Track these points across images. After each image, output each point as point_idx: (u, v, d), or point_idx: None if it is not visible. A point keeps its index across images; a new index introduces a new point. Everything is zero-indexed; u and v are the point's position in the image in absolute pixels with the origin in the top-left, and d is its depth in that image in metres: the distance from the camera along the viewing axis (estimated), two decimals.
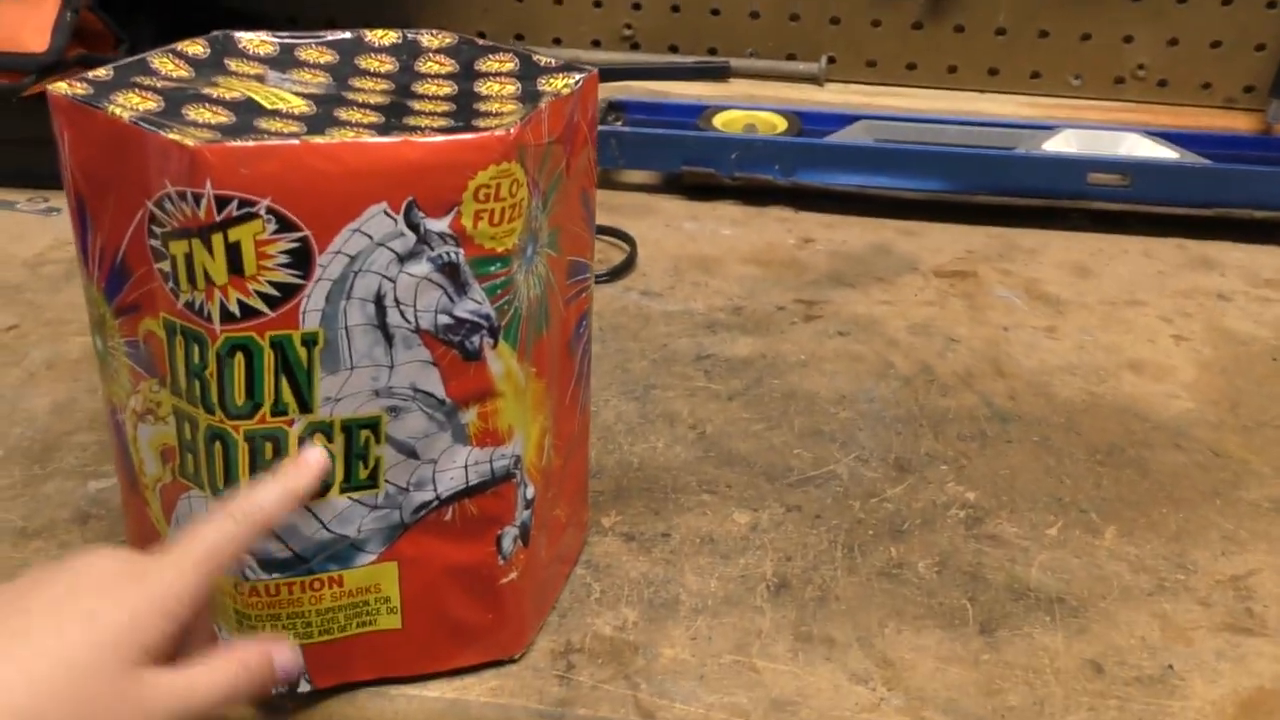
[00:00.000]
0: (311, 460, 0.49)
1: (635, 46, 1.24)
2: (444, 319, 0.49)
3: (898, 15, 1.18)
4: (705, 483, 0.72)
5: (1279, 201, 1.07)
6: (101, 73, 0.52)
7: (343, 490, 0.51)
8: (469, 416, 0.51)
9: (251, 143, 0.45)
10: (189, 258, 0.46)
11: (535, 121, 0.49)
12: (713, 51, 1.23)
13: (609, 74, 1.19)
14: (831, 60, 1.20)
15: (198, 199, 0.45)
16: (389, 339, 0.49)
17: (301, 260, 0.46)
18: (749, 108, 1.18)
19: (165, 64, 0.54)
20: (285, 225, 0.46)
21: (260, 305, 0.47)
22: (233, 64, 0.56)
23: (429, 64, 0.58)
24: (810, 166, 1.11)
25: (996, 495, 0.72)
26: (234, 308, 0.47)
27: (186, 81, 0.53)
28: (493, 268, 0.49)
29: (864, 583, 0.64)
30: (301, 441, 0.49)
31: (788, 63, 1.21)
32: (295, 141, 0.45)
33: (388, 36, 0.60)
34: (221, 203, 0.45)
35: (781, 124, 1.16)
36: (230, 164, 0.44)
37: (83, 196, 0.50)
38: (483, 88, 0.56)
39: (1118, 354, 0.89)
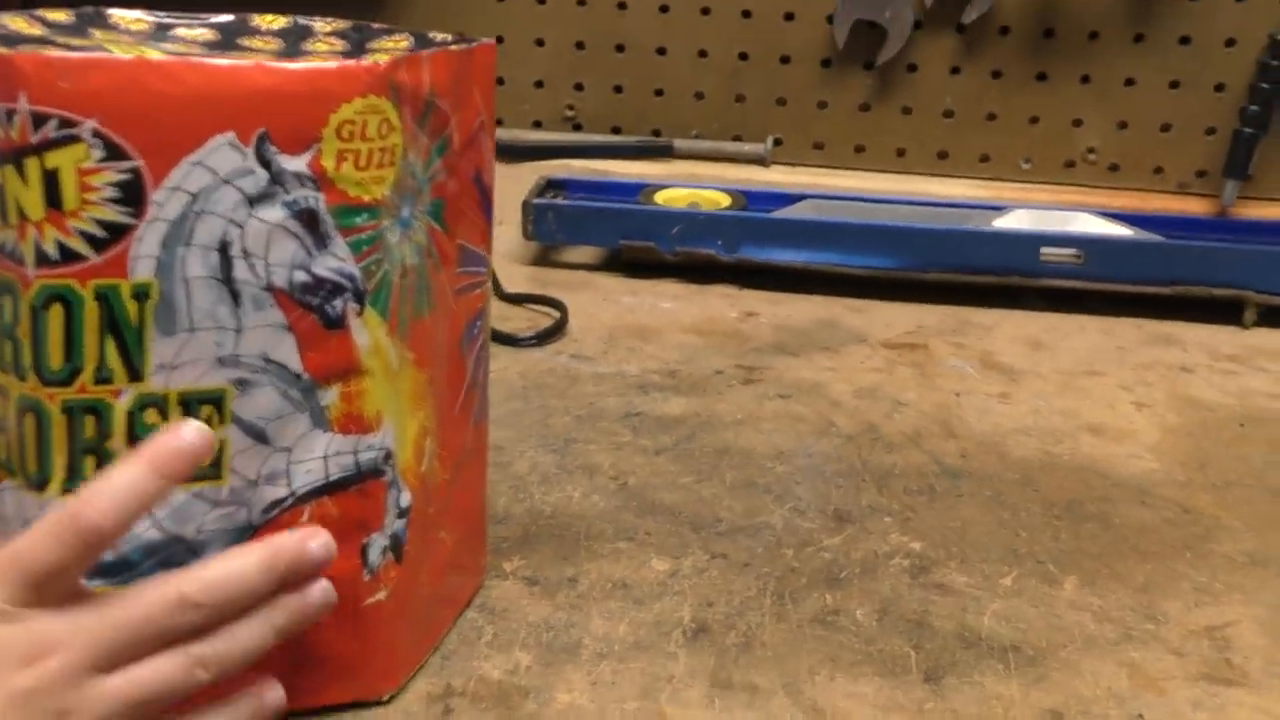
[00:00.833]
0: (186, 438, 0.41)
1: (578, 127, 1.21)
2: (300, 276, 0.43)
3: (845, 97, 1.16)
4: (623, 530, 0.65)
5: (1237, 280, 1.03)
6: None
7: None
8: (330, 396, 0.44)
9: (77, 55, 0.39)
10: (0, 189, 0.40)
11: (413, 64, 0.44)
12: (656, 133, 1.20)
13: (549, 152, 1.16)
14: (778, 142, 1.18)
15: (10, 116, 0.39)
16: (235, 296, 0.42)
17: (133, 195, 0.40)
18: (692, 186, 1.14)
19: (19, 23, 0.49)
20: (114, 152, 0.40)
21: (82, 247, 0.40)
22: (98, 34, 0.51)
23: (317, 44, 0.54)
24: (756, 242, 1.06)
25: (945, 546, 0.65)
26: (51, 249, 0.40)
27: (38, 38, 0.48)
28: (358, 219, 0.43)
29: (794, 629, 0.57)
30: (131, 417, 0.42)
31: (733, 144, 1.18)
32: (128, 57, 0.40)
33: (277, 21, 0.55)
34: (39, 121, 0.39)
35: (726, 202, 1.12)
36: (49, 76, 0.39)
37: None
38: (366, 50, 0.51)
39: (1075, 418, 0.83)
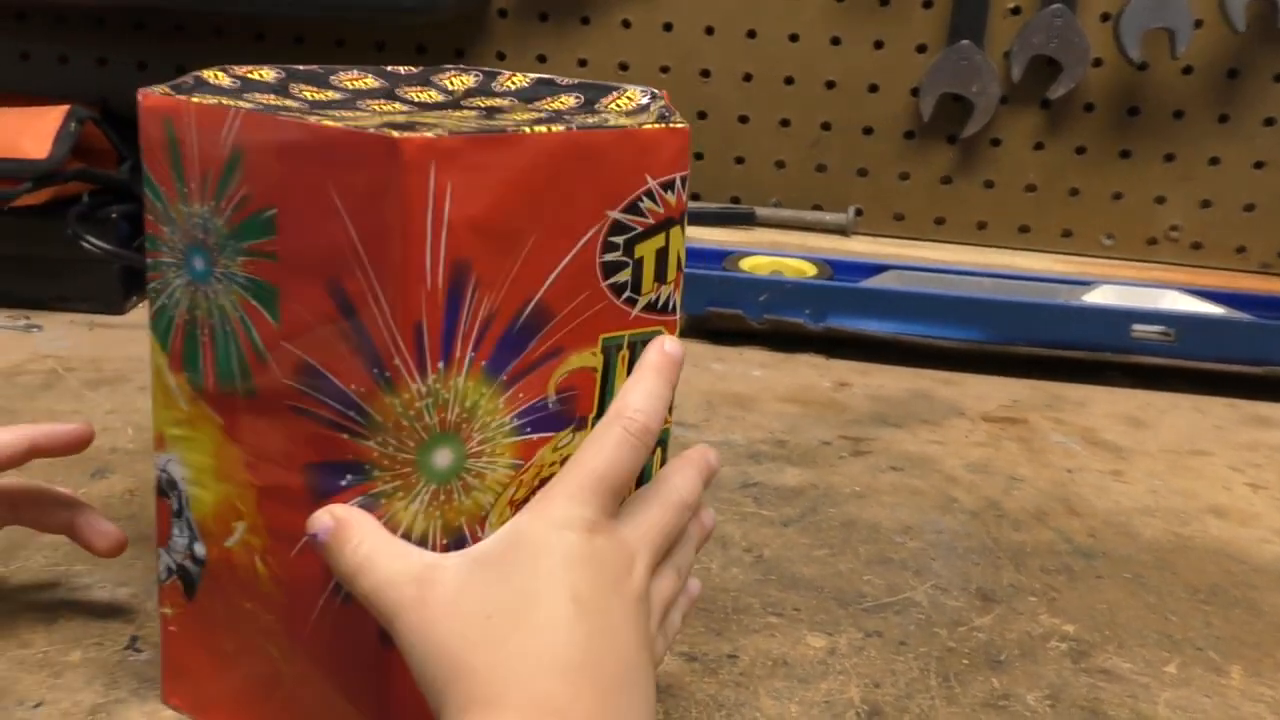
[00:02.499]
0: (671, 348, 0.47)
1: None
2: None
3: (926, 169, 1.16)
4: (770, 605, 0.63)
5: None
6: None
7: None
8: None
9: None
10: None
11: (205, 115, 0.43)
12: (736, 200, 1.19)
13: None
14: (859, 212, 1.17)
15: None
16: None
17: None
18: (776, 254, 1.13)
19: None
20: None
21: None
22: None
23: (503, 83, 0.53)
24: (844, 311, 1.05)
25: (1099, 630, 0.63)
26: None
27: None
28: (148, 244, 0.47)
29: (968, 714, 0.55)
30: None
31: (814, 212, 1.17)
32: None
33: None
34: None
35: (810, 270, 1.11)
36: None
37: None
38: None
39: (1194, 499, 0.82)
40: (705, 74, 1.17)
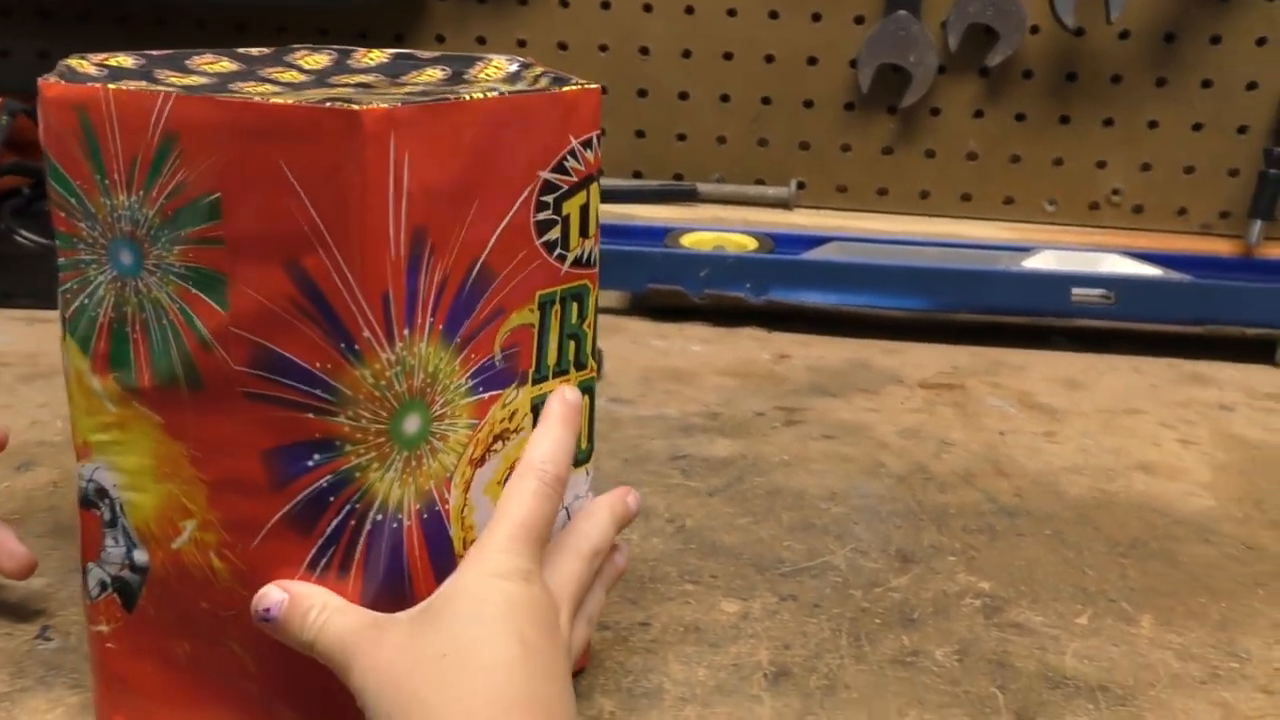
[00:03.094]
0: (571, 398, 0.49)
1: (600, 172, 1.21)
2: None
3: (868, 140, 1.16)
4: (687, 573, 0.63)
5: (1268, 319, 1.03)
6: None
7: None
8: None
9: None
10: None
11: (126, 101, 0.42)
12: (678, 177, 1.19)
13: None
14: (801, 185, 1.17)
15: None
16: None
17: None
18: (718, 229, 1.14)
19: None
20: None
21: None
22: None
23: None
24: (784, 284, 1.06)
25: (1014, 585, 0.64)
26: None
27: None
28: (57, 243, 0.45)
29: (876, 671, 0.55)
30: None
31: (756, 187, 1.17)
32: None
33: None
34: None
35: (752, 245, 1.12)
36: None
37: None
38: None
39: (1124, 456, 0.82)
40: (644, 51, 1.16)
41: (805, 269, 1.07)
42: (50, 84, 0.43)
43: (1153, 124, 1.14)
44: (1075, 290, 1.05)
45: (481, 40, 1.18)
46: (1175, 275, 1.07)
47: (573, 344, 0.50)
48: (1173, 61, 1.12)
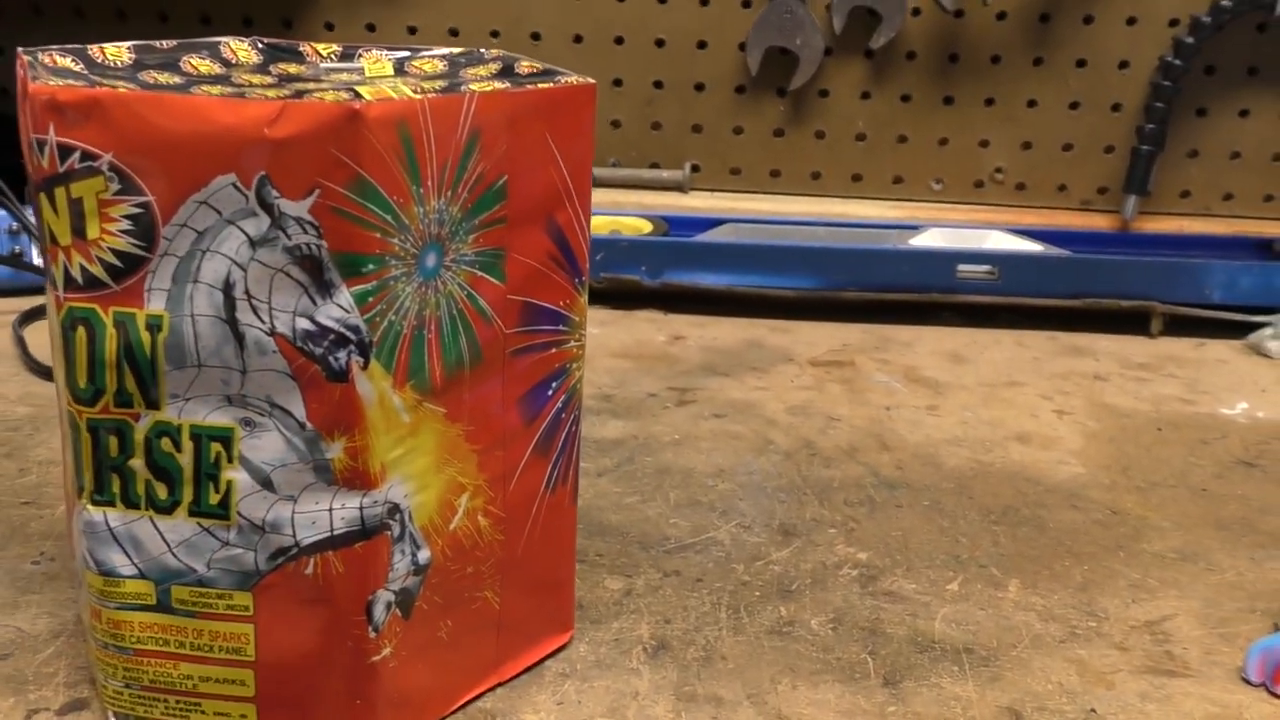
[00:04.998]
0: None
1: None
2: (304, 324, 0.42)
3: (759, 122, 1.18)
4: None
5: (1143, 291, 1.07)
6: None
7: (191, 513, 0.44)
8: (335, 450, 0.44)
9: (97, 89, 0.40)
10: (39, 215, 0.42)
11: (440, 108, 0.42)
12: None
13: None
14: (695, 168, 1.19)
15: (41, 146, 0.40)
16: (240, 338, 0.42)
17: (145, 229, 0.41)
18: (613, 213, 1.15)
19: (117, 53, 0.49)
20: (128, 186, 0.40)
21: (103, 275, 0.41)
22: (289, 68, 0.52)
23: (420, 63, 0.53)
24: (679, 266, 1.07)
25: (890, 555, 0.66)
26: (77, 274, 0.42)
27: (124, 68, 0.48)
28: (364, 269, 0.42)
29: (752, 641, 0.57)
30: (149, 443, 0.43)
31: (650, 170, 1.19)
32: (137, 90, 0.40)
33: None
34: (65, 153, 0.40)
35: (647, 228, 1.13)
36: (74, 112, 0.40)
37: None
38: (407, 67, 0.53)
39: (1002, 427, 0.85)
40: (536, 36, 1.17)
41: (698, 251, 1.08)
42: (371, 104, 0.40)
43: (1032, 103, 1.17)
44: (960, 267, 1.08)
45: (371, 28, 1.18)
46: (1055, 251, 1.11)
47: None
48: (1049, 41, 1.15)
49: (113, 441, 0.43)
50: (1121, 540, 0.69)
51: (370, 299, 0.42)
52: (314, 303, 0.42)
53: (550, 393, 0.51)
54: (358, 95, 0.41)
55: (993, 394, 0.92)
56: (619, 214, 1.15)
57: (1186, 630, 0.60)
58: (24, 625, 0.56)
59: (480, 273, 0.46)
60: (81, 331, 0.42)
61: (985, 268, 1.08)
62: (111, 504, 0.44)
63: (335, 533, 0.44)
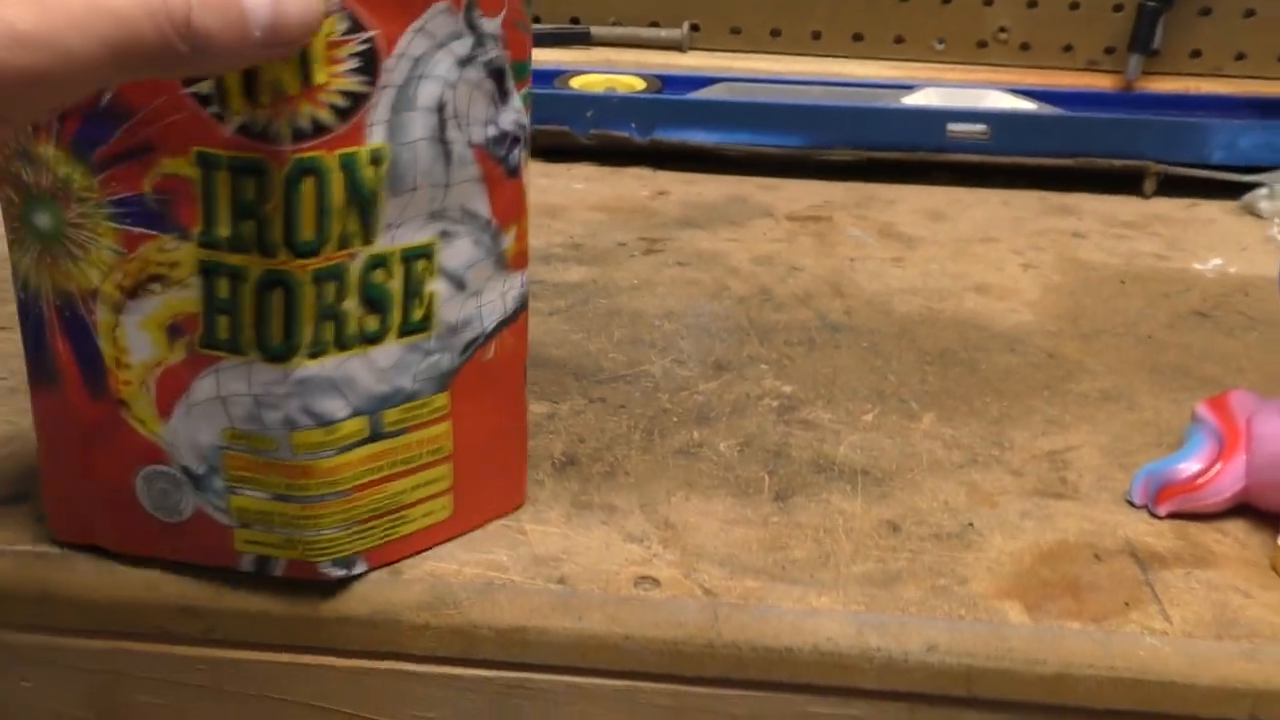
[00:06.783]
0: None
1: None
2: (491, 130, 0.47)
3: None
4: None
5: (1138, 151, 1.06)
6: None
7: (400, 334, 0.48)
8: (508, 240, 0.50)
9: None
10: (249, 72, 0.42)
11: None
12: (574, 20, 1.20)
13: None
14: (695, 27, 1.19)
15: None
16: (448, 155, 0.46)
17: (370, 65, 0.43)
18: (608, 71, 1.16)
19: None
20: (355, 25, 0.42)
21: (330, 119, 0.43)
22: None
23: None
24: (669, 123, 1.08)
25: (815, 389, 0.68)
26: (305, 124, 0.42)
27: None
28: (525, 73, 0.48)
29: (658, 460, 0.60)
30: (363, 278, 0.45)
31: (649, 29, 1.19)
32: None
33: None
34: None
35: (641, 86, 1.14)
36: None
37: None
38: None
39: (963, 279, 0.86)
40: None
41: (688, 108, 1.09)
42: None
43: None
44: (951, 126, 1.07)
45: None
46: (1049, 109, 1.10)
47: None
48: None
49: (331, 288, 0.45)
50: (1050, 381, 0.70)
51: (529, 101, 0.49)
52: (497, 110, 0.47)
53: None
54: None
55: (963, 249, 0.92)
56: (615, 72, 1.15)
57: (1086, 460, 0.62)
58: None
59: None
60: (309, 181, 0.43)
61: (978, 127, 1.07)
62: (324, 352, 0.46)
63: (508, 313, 0.51)
